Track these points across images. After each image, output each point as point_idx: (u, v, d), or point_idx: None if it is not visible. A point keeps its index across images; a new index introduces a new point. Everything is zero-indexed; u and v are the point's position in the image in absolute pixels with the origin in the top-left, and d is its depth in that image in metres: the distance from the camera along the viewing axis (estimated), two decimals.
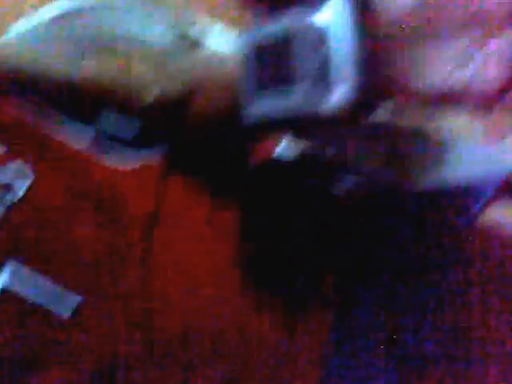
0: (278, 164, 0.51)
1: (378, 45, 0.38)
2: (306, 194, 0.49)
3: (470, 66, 0.38)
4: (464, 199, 0.45)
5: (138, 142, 0.47)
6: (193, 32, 0.57)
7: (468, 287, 0.44)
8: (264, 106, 0.40)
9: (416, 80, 0.39)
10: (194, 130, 0.46)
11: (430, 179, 0.46)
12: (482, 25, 0.38)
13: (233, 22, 0.46)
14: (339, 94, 0.37)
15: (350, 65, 0.37)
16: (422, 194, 0.47)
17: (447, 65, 0.38)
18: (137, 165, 0.48)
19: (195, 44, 0.55)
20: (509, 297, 0.43)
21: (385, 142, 0.47)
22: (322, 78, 0.37)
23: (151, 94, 0.46)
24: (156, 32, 0.50)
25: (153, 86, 0.46)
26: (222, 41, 0.48)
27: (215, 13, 0.48)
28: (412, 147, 0.47)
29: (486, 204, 0.44)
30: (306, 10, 0.38)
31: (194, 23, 0.53)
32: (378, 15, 0.38)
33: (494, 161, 0.45)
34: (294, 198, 0.49)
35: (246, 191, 0.49)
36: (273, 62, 0.40)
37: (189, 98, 0.45)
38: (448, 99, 0.39)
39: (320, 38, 0.37)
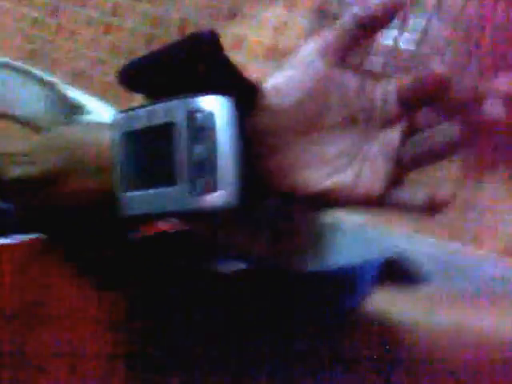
0: (157, 240, 0.49)
1: (260, 142, 0.36)
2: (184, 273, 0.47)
3: (349, 170, 0.36)
4: (347, 283, 0.44)
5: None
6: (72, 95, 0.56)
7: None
8: (140, 200, 0.37)
9: (294, 181, 0.36)
10: (61, 211, 0.43)
11: (313, 262, 0.45)
12: (367, 123, 0.36)
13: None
14: (222, 196, 0.34)
15: (233, 162, 0.35)
16: (304, 277, 0.46)
17: (327, 166, 0.36)
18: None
19: (74, 109, 0.54)
20: None
21: (269, 227, 0.46)
22: (204, 173, 0.34)
23: (17, 167, 0.43)
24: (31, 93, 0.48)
25: (19, 156, 0.44)
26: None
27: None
28: (295, 232, 0.47)
29: (369, 290, 0.42)
30: (189, 96, 0.35)
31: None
32: (261, 109, 0.36)
33: (373, 245, 0.44)
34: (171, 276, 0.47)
35: (125, 268, 0.46)
36: (150, 149, 0.37)
37: (59, 175, 0.42)
38: (326, 201, 0.37)
39: (203, 126, 0.34)
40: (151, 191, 0.36)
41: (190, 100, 0.35)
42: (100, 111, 0.56)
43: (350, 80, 0.36)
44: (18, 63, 0.60)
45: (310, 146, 0.36)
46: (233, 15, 1.95)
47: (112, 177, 0.39)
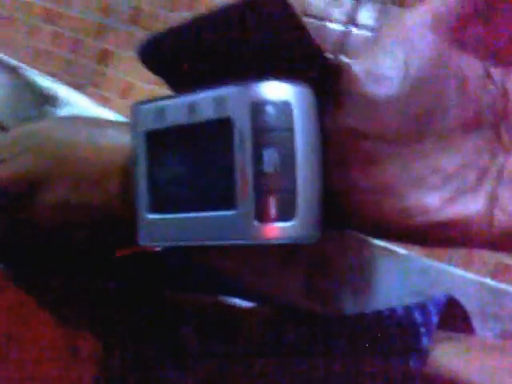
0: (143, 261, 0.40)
1: (346, 148, 0.25)
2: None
3: (481, 191, 0.25)
4: (407, 328, 0.35)
5: None
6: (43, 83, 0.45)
7: None
8: (172, 226, 0.27)
9: (399, 206, 0.25)
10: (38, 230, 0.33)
11: (357, 306, 0.36)
12: (497, 126, 0.25)
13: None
14: (300, 224, 0.24)
15: (317, 177, 0.24)
16: (350, 324, 0.37)
17: (447, 185, 0.25)
18: None
19: (45, 99, 0.43)
20: None
21: (303, 267, 0.37)
22: (278, 192, 0.24)
23: None
24: None
25: None
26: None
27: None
28: (334, 267, 0.37)
29: (431, 339, 0.33)
30: (250, 82, 0.24)
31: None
32: (350, 101, 0.25)
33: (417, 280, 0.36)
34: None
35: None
36: (190, 155, 0.26)
37: (40, 181, 0.32)
38: (446, 237, 0.25)
39: (276, 124, 0.24)
40: (191, 215, 0.26)
41: (254, 87, 0.24)
42: (78, 102, 0.45)
43: (473, 66, 0.25)
44: None
45: (420, 157, 0.25)
46: (190, 5, 1.83)
47: (129, 192, 0.28)
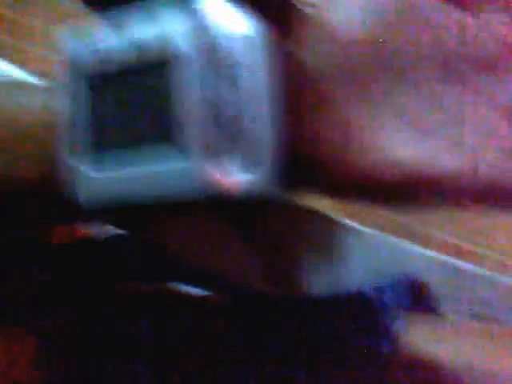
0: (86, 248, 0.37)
1: (304, 91, 0.23)
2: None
3: (461, 139, 0.22)
4: (374, 313, 0.34)
5: None
6: None
7: None
8: (114, 181, 0.23)
9: (358, 154, 0.22)
10: None
11: (323, 285, 0.35)
12: (472, 74, 0.23)
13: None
14: (259, 173, 0.21)
15: (274, 121, 0.22)
16: (314, 304, 0.35)
17: (426, 132, 0.22)
18: None
19: None
20: None
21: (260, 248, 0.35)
22: (233, 136, 0.21)
23: None
24: None
25: None
26: None
27: None
28: (301, 244, 0.35)
29: (404, 322, 0.33)
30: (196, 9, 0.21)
31: None
32: (312, 40, 0.22)
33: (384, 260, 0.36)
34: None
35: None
36: (129, 98, 0.23)
37: None
38: (428, 188, 0.23)
39: (228, 57, 0.21)
40: (139, 169, 0.22)
41: (201, 15, 0.21)
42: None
43: (444, 10, 0.22)
44: None
45: (394, 105, 0.22)
46: None
47: (60, 145, 0.24)
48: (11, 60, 0.42)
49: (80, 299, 0.37)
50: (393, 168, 0.22)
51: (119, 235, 0.45)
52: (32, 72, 0.40)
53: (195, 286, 0.37)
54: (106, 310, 0.37)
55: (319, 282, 0.35)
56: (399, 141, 0.22)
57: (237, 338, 0.35)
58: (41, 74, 0.38)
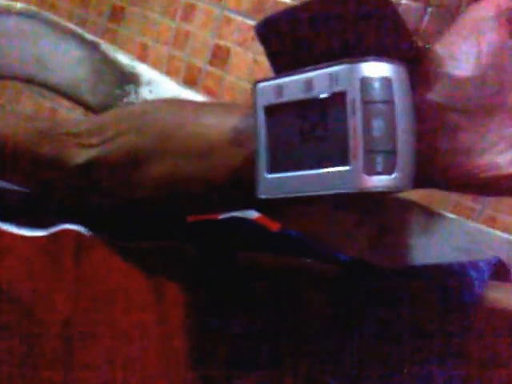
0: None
1: (434, 117, 0.32)
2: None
3: None
4: (465, 279, 0.42)
5: None
6: (124, 60, 0.48)
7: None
8: (292, 182, 0.33)
9: (475, 164, 0.32)
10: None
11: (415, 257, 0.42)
12: None
13: None
14: (400, 177, 0.30)
15: (412, 140, 0.31)
16: (413, 273, 0.43)
17: (508, 151, 0.31)
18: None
19: (127, 78, 0.47)
20: None
21: (370, 223, 0.43)
22: (383, 151, 0.30)
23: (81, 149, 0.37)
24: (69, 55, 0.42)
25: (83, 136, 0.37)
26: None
27: None
28: (398, 226, 0.44)
29: (486, 284, 0.41)
30: (358, 61, 0.30)
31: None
32: (435, 78, 0.32)
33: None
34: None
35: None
36: (306, 123, 0.32)
37: (149, 156, 0.37)
38: (502, 190, 0.32)
39: (381, 96, 0.30)
40: (308, 172, 0.32)
41: (363, 65, 0.30)
42: (160, 82, 0.50)
43: None
44: (51, 15, 0.52)
45: (492, 127, 0.32)
46: None
47: (250, 157, 0.34)
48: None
49: (206, 265, 0.44)
50: (491, 167, 0.31)
51: (239, 218, 0.54)
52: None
53: (316, 258, 0.46)
54: (228, 276, 0.44)
55: (417, 258, 0.44)
56: (497, 152, 0.31)
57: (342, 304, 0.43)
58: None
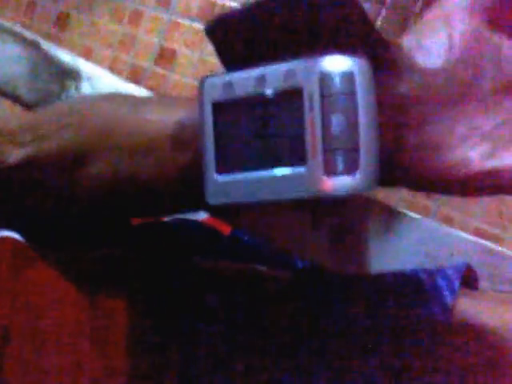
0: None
1: (400, 112, 0.29)
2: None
3: (510, 146, 0.29)
4: (431, 289, 0.40)
5: None
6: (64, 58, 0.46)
7: None
8: (243, 185, 0.30)
9: (448, 160, 0.29)
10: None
11: (377, 266, 0.41)
12: None
13: None
14: (363, 177, 0.28)
15: (375, 136, 0.28)
16: (375, 280, 0.41)
17: (488, 141, 0.29)
18: None
19: (67, 74, 0.45)
20: None
21: (328, 224, 0.41)
22: (344, 149, 0.28)
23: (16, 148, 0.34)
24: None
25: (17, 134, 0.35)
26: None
27: None
28: (357, 229, 0.42)
29: (456, 295, 0.39)
30: (318, 56, 0.28)
31: None
32: (402, 71, 0.29)
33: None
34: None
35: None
36: (259, 122, 0.29)
37: (87, 155, 0.34)
38: (489, 185, 0.30)
39: (342, 92, 0.28)
40: (261, 173, 0.29)
41: (321, 60, 0.28)
42: (102, 77, 0.47)
43: (504, 42, 0.30)
44: None
45: (462, 119, 0.29)
46: None
47: (196, 156, 0.31)
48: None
49: (148, 273, 0.42)
50: (463, 164, 0.29)
51: (186, 220, 0.51)
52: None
53: (270, 265, 0.44)
54: (171, 282, 0.41)
55: (379, 262, 0.42)
56: (468, 145, 0.29)
57: (299, 311, 0.41)
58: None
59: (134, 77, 1.71)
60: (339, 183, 0.28)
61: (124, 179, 0.34)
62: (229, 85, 0.30)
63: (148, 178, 0.34)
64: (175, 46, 1.69)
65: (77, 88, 0.47)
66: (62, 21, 1.89)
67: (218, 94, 0.30)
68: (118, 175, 0.34)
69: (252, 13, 0.29)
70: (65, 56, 0.48)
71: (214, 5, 1.67)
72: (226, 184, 0.30)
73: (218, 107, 0.30)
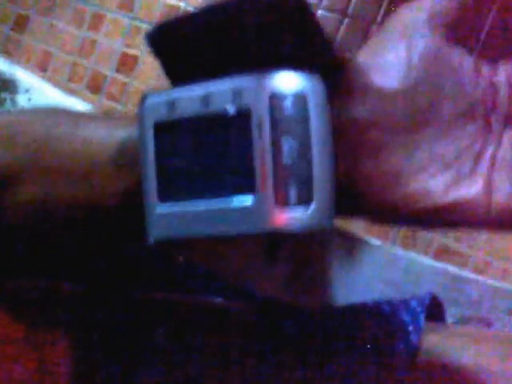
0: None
1: (355, 138, 0.27)
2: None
3: (478, 176, 0.27)
4: (396, 321, 0.38)
5: None
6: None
7: None
8: (186, 216, 0.27)
9: (407, 190, 0.27)
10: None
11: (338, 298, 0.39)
12: (488, 117, 0.27)
13: None
14: (317, 211, 0.25)
15: (330, 166, 0.25)
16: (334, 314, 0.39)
17: (448, 170, 0.27)
18: None
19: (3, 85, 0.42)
20: None
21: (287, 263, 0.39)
22: (297, 179, 0.25)
23: None
24: None
25: None
26: None
27: None
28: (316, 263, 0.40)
29: (422, 328, 0.36)
30: (266, 73, 0.25)
31: None
32: (356, 92, 0.27)
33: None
34: None
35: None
36: (204, 146, 0.26)
37: (16, 176, 0.31)
38: (450, 218, 0.27)
39: (294, 115, 0.25)
40: (206, 204, 0.26)
41: (272, 79, 0.25)
42: (42, 89, 0.43)
43: (465, 61, 0.27)
44: None
45: (421, 146, 0.27)
46: None
47: (138, 180, 0.28)
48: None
49: (99, 306, 0.39)
50: (423, 196, 0.26)
51: (140, 247, 0.48)
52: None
53: (223, 297, 0.41)
54: (123, 316, 0.39)
55: (339, 293, 0.39)
56: (429, 174, 0.27)
57: (253, 346, 0.38)
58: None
59: (95, 84, 1.66)
60: (291, 217, 0.25)
61: (57, 206, 0.31)
62: (172, 104, 0.27)
63: (86, 204, 0.30)
64: (137, 52, 1.65)
65: (12, 100, 0.43)
66: (21, 24, 1.83)
67: (160, 113, 0.27)
68: (53, 200, 0.31)
69: (197, 20, 0.26)
70: (1, 65, 0.44)
71: (177, 10, 1.63)
72: (168, 215, 0.27)
73: (160, 128, 0.27)
